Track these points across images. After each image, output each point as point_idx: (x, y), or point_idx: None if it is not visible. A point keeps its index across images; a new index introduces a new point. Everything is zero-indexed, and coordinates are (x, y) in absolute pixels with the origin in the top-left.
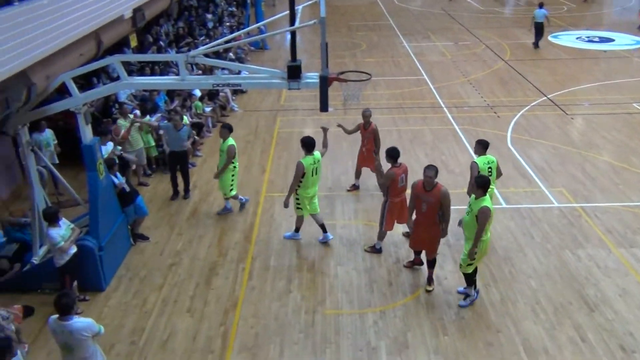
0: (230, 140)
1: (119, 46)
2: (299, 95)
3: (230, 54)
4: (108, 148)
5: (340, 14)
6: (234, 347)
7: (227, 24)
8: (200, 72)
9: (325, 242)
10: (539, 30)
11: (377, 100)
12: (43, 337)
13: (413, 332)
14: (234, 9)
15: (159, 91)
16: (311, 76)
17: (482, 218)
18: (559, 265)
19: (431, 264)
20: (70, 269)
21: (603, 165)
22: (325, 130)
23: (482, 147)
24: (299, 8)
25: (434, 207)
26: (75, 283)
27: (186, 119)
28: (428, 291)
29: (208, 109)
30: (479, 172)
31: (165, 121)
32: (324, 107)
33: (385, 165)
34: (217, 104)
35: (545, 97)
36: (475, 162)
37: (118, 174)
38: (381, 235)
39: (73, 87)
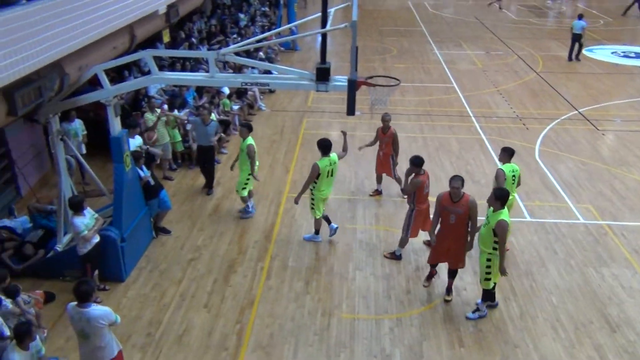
0: (249, 140)
1: (152, 41)
2: (326, 98)
3: (261, 54)
4: (136, 142)
5: (373, 18)
6: (249, 345)
7: (259, 23)
8: (230, 70)
9: (333, 234)
10: (576, 41)
11: (405, 106)
12: (62, 323)
13: (429, 341)
14: (266, 9)
15: (188, 87)
16: (339, 79)
17: (501, 232)
18: (582, 283)
19: (452, 274)
20: (92, 258)
21: (633, 184)
22: (344, 134)
23: (507, 154)
24: (331, 10)
25: (463, 218)
26: (96, 272)
27: (214, 116)
28: (446, 301)
29: (236, 107)
30: (504, 179)
31: (194, 116)
32: (350, 110)
33: (401, 172)
34: (245, 102)
35: (576, 111)
36: (502, 170)
37: (144, 167)
38: (403, 242)
39: (104, 79)
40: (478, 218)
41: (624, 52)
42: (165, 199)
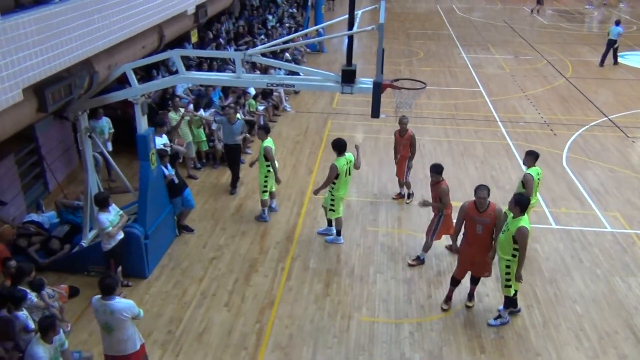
0: (266, 142)
1: (180, 41)
2: (351, 100)
3: (287, 55)
4: (161, 140)
5: (400, 21)
6: (268, 345)
7: (287, 25)
8: (258, 71)
9: (332, 243)
10: (611, 47)
11: (430, 109)
12: (86, 317)
13: (449, 347)
14: (294, 10)
15: (214, 87)
16: (365, 81)
17: (521, 239)
18: (607, 292)
19: (475, 280)
20: (116, 254)
21: None
22: (358, 149)
23: (533, 158)
24: (358, 13)
25: (490, 227)
26: (119, 268)
27: (239, 116)
28: (468, 307)
29: (261, 108)
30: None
31: (219, 116)
32: (375, 113)
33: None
34: (270, 103)
35: (605, 118)
36: (531, 175)
37: (168, 166)
38: (427, 248)
39: (133, 78)
40: None
41: None
42: (189, 198)
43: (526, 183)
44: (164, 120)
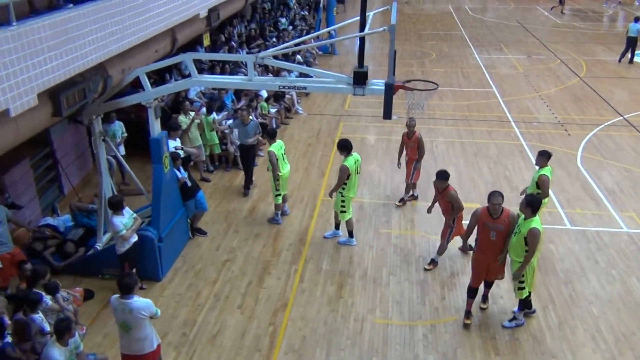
0: (271, 146)
1: (193, 44)
2: (363, 102)
3: (299, 57)
4: (177, 143)
5: (412, 22)
6: (281, 347)
7: (298, 27)
8: (270, 74)
9: (345, 245)
10: (630, 45)
11: (443, 110)
12: (101, 320)
13: (463, 349)
14: (306, 13)
15: (227, 90)
16: (377, 83)
17: (532, 240)
18: (624, 293)
19: (489, 283)
20: (130, 257)
21: None
22: None
23: (546, 158)
24: (369, 14)
25: (504, 234)
26: (134, 271)
27: (251, 118)
28: (482, 309)
29: (273, 110)
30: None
31: (231, 120)
32: (387, 114)
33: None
34: (282, 105)
35: (621, 117)
36: (547, 176)
37: (181, 168)
38: (442, 250)
39: (146, 82)
40: None
41: None
42: (202, 200)
43: (542, 184)
44: (178, 124)
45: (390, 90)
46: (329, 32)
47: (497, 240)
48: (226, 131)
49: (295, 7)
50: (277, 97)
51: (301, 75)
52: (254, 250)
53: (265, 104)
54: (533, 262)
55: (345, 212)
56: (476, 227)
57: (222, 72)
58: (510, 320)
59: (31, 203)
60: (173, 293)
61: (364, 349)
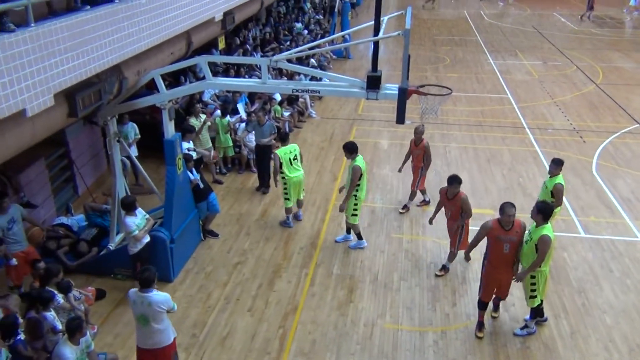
0: (278, 150)
1: (208, 47)
2: (377, 106)
3: (313, 61)
4: (189, 145)
5: (427, 27)
6: (291, 351)
7: (314, 31)
8: (285, 78)
9: (356, 248)
10: None
11: (457, 116)
12: (112, 320)
13: (474, 356)
14: (321, 17)
15: (241, 93)
16: (390, 87)
17: (542, 247)
18: (638, 304)
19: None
20: (142, 257)
21: None
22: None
23: (560, 166)
24: (384, 19)
25: (517, 245)
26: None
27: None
28: (494, 317)
29: (286, 114)
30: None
31: (244, 123)
32: (400, 119)
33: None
34: (295, 109)
35: (637, 125)
36: (562, 185)
37: (194, 170)
38: (452, 257)
39: (161, 84)
40: None
41: None
42: (214, 202)
43: (557, 193)
44: (193, 128)
45: (403, 94)
46: (343, 36)
47: (509, 253)
48: (239, 133)
49: (310, 11)
50: (290, 100)
51: (314, 78)
52: (265, 253)
53: (278, 107)
54: (545, 270)
55: (356, 215)
56: (486, 241)
57: (237, 75)
58: (521, 328)
59: (46, 202)
60: (184, 294)
61: (373, 354)
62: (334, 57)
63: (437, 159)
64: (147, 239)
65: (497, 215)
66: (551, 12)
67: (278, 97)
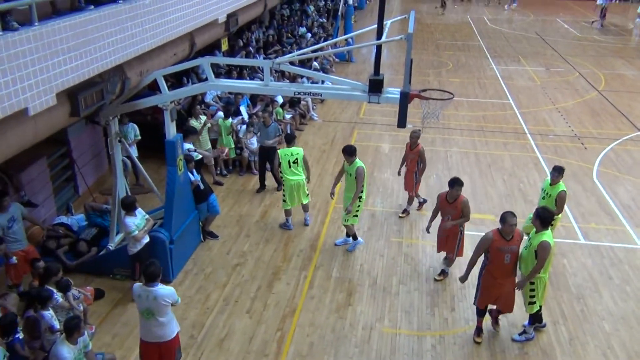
0: (280, 150)
1: (211, 48)
2: (379, 110)
3: (315, 64)
4: (190, 146)
5: (430, 32)
6: (289, 353)
7: (317, 34)
8: (287, 80)
9: (355, 249)
10: None
11: (458, 121)
12: (110, 320)
13: None
14: (324, 20)
15: (243, 95)
16: (392, 91)
17: (542, 253)
18: (638, 310)
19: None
20: (141, 257)
21: None
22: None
23: (561, 174)
24: (387, 23)
25: (517, 253)
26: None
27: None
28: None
29: (288, 116)
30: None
31: (245, 125)
32: (401, 123)
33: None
34: (297, 112)
35: (639, 132)
36: (565, 192)
37: (194, 171)
38: (451, 262)
39: (163, 85)
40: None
41: None
42: (214, 204)
43: (560, 200)
44: (195, 129)
45: (405, 98)
46: (346, 40)
47: (510, 264)
48: (240, 135)
49: (313, 14)
50: (292, 103)
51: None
52: (265, 255)
53: (280, 110)
54: (544, 277)
55: (357, 216)
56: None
57: (239, 77)
58: (520, 334)
59: (47, 201)
60: (183, 295)
61: (371, 358)
62: (336, 60)
63: (438, 163)
64: (147, 239)
65: (497, 221)
66: (554, 18)
67: (280, 99)
